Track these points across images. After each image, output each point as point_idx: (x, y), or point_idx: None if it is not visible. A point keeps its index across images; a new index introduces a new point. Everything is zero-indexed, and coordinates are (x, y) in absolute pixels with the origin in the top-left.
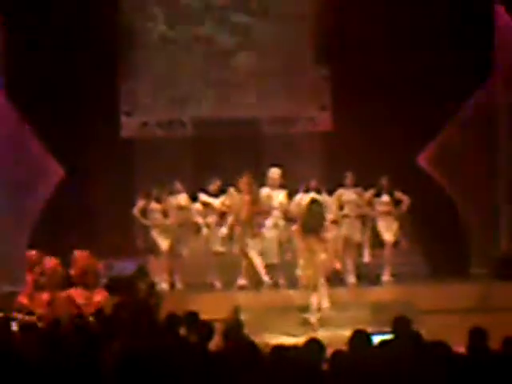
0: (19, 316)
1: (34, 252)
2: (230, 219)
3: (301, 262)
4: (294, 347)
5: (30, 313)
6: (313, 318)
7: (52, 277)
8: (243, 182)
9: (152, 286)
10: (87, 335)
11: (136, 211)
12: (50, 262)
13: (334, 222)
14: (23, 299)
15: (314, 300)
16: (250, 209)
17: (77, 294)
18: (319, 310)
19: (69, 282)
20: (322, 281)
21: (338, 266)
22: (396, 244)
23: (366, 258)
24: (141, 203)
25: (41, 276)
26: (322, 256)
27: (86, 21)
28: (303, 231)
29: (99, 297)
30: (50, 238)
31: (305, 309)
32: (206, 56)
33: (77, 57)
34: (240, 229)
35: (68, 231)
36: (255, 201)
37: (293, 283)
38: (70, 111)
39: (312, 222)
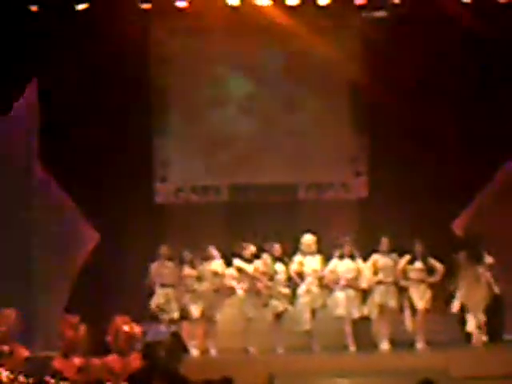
0: (51, 381)
1: (69, 316)
2: (262, 285)
3: None
4: None
5: (63, 378)
6: None
7: (86, 342)
8: (277, 249)
9: (171, 352)
10: None
11: (150, 278)
12: (84, 327)
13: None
14: (56, 364)
15: None
16: None
17: (113, 360)
18: None
19: (105, 349)
20: None
21: None
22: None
23: (408, 324)
24: (154, 266)
25: (74, 341)
26: None
27: (122, 83)
28: None
29: (136, 363)
30: (85, 303)
31: (339, 374)
32: (242, 120)
33: (111, 121)
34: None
35: (104, 296)
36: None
37: (326, 348)
38: (104, 176)
39: None
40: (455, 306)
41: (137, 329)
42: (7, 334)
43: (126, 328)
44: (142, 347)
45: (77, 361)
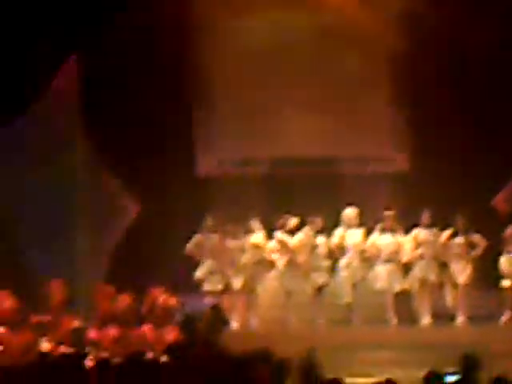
0: (92, 352)
1: (106, 287)
2: (303, 258)
3: None
4: None
5: (100, 348)
6: None
7: (124, 313)
8: (319, 222)
9: (211, 324)
10: (159, 373)
11: (190, 246)
12: (123, 298)
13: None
14: (92, 334)
15: None
16: None
17: (148, 331)
18: None
19: (140, 319)
20: None
21: None
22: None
23: (448, 299)
24: (197, 238)
25: (110, 312)
26: None
27: (161, 58)
28: None
29: (171, 335)
30: (125, 275)
31: (379, 347)
32: (283, 93)
33: (152, 94)
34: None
35: (143, 269)
36: None
37: (367, 321)
38: (145, 150)
39: None
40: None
41: (172, 300)
42: (54, 304)
43: (161, 299)
44: (181, 319)
45: (112, 331)
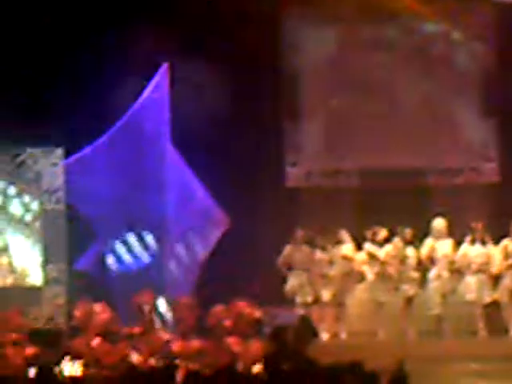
0: (182, 365)
1: (185, 298)
2: (393, 270)
3: None
4: None
5: (189, 360)
6: None
7: (213, 325)
8: (408, 233)
9: (301, 335)
10: None
11: (282, 258)
12: (214, 310)
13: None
14: (175, 346)
15: None
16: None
17: (233, 342)
18: None
19: (226, 331)
20: None
21: None
22: None
23: None
24: (287, 250)
25: (191, 323)
26: None
27: (252, 70)
28: None
29: (256, 346)
30: (214, 287)
31: (469, 359)
32: (373, 105)
33: (243, 107)
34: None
35: (231, 279)
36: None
37: (456, 332)
38: (235, 161)
39: None
40: None
41: (258, 312)
42: (149, 316)
43: (246, 311)
44: (271, 331)
45: (196, 343)
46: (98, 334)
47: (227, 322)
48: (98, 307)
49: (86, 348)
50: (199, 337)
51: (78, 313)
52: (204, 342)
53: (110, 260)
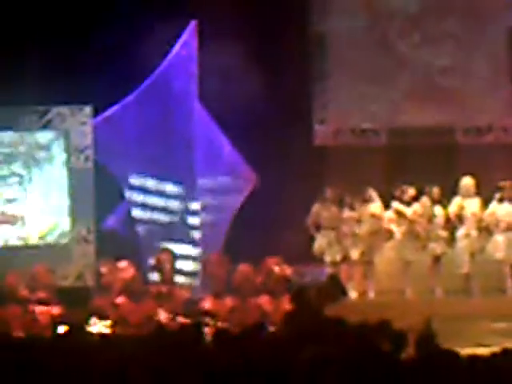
0: (210, 323)
1: (218, 256)
2: (421, 228)
3: None
4: (489, 357)
5: (216, 319)
6: None
7: (240, 283)
8: (436, 192)
9: (329, 294)
10: (277, 342)
11: (310, 217)
12: (240, 268)
13: None
14: (207, 304)
15: None
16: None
17: (264, 301)
18: None
19: (256, 289)
20: None
21: None
22: None
23: None
24: (316, 209)
25: (225, 281)
26: None
27: (278, 28)
28: None
29: (288, 305)
30: (242, 246)
31: (497, 317)
32: (403, 63)
33: (269, 65)
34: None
35: (259, 238)
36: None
37: (484, 291)
38: (263, 120)
39: None
40: None
41: (288, 270)
42: (169, 274)
43: (277, 269)
44: (292, 290)
45: (228, 302)
46: (122, 292)
47: (257, 280)
48: (121, 265)
49: (111, 307)
50: (228, 295)
51: (103, 270)
52: (235, 300)
53: (138, 218)
